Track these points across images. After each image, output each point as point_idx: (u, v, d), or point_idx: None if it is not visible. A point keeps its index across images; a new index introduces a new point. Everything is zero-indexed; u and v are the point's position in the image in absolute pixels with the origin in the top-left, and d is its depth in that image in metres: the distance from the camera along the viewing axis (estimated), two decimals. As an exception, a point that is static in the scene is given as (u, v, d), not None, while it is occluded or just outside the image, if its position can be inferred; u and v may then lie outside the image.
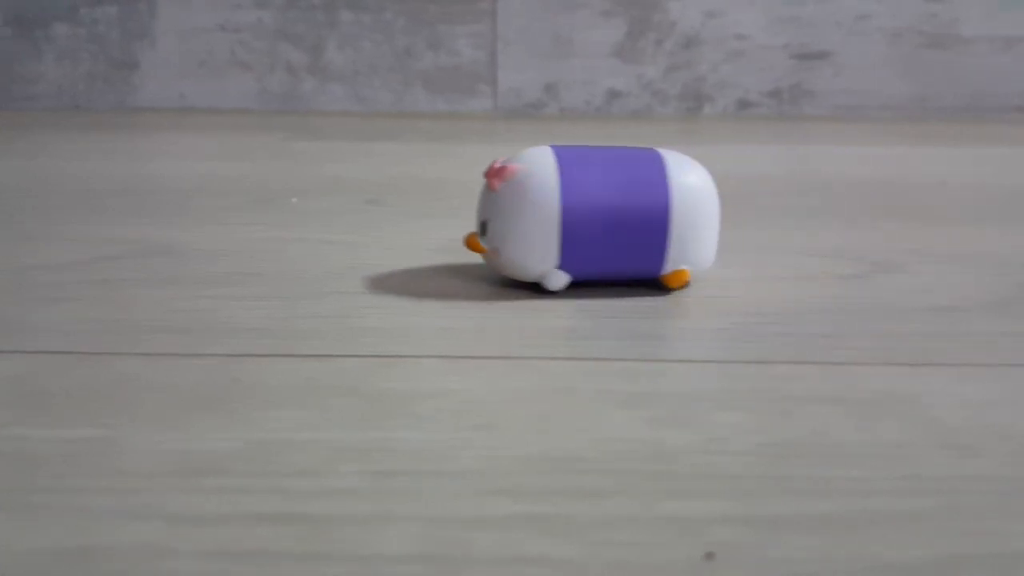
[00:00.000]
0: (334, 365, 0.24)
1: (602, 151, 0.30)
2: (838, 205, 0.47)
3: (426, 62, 0.99)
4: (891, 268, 0.35)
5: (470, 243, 0.30)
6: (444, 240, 0.38)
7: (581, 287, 0.31)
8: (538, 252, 0.29)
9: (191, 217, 0.42)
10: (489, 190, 0.30)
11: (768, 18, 0.98)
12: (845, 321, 0.28)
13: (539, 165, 0.29)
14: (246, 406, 0.22)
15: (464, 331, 0.27)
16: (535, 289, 0.31)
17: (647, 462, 0.19)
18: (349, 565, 0.16)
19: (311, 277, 0.32)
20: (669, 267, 0.30)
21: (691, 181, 0.30)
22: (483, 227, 0.30)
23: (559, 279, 0.30)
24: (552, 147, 0.30)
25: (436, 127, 0.83)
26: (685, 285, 0.31)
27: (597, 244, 0.29)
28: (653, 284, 0.31)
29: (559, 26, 0.98)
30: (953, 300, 0.31)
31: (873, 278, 0.33)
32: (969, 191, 0.51)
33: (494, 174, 0.29)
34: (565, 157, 0.30)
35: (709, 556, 0.16)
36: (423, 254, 0.36)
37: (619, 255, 0.30)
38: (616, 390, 0.23)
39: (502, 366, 0.24)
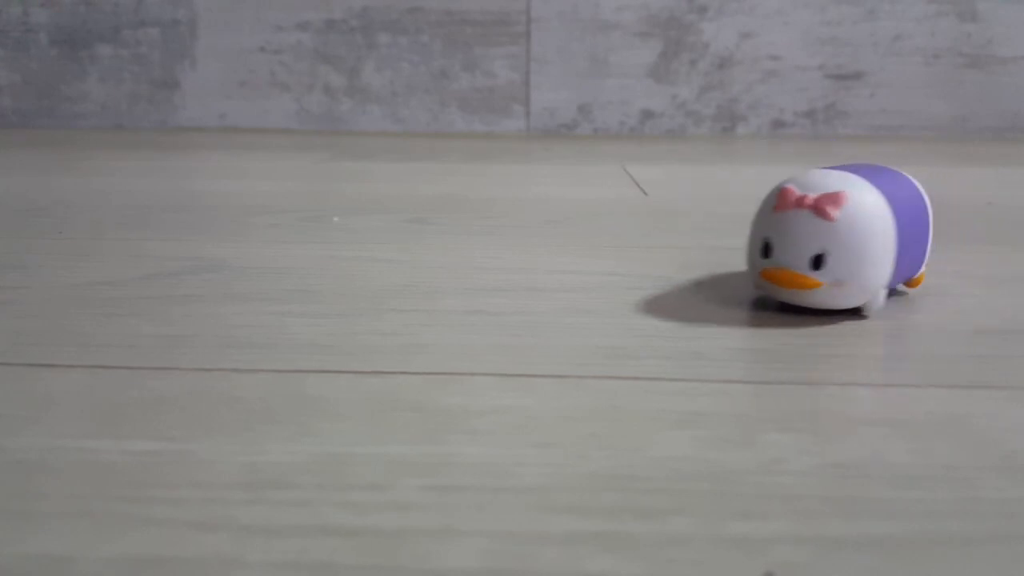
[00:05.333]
0: (394, 381, 0.25)
1: (863, 169, 0.31)
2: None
3: (462, 83, 1.00)
4: (938, 291, 0.34)
5: (793, 279, 0.29)
6: (490, 258, 0.38)
7: (628, 306, 0.31)
8: (880, 276, 0.29)
9: (241, 234, 0.43)
10: (824, 219, 0.28)
11: (803, 39, 0.98)
12: (894, 343, 0.28)
13: (863, 189, 0.29)
14: (311, 420, 0.22)
15: (516, 348, 0.27)
16: (584, 309, 0.31)
17: (707, 481, 0.19)
18: (418, 578, 0.16)
19: (368, 294, 0.33)
20: (920, 270, 0.32)
21: (923, 191, 0.32)
22: (818, 260, 0.29)
23: (883, 299, 0.30)
24: (848, 167, 0.31)
25: (472, 147, 0.84)
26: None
27: (906, 257, 0.30)
28: (706, 304, 0.32)
29: (594, 47, 0.99)
30: (1003, 322, 0.30)
31: (920, 300, 0.33)
32: (1014, 212, 0.51)
33: (826, 202, 0.28)
34: (871, 177, 0.30)
35: None
36: (472, 272, 0.36)
37: (911, 264, 0.31)
38: (671, 409, 0.23)
39: (556, 384, 0.24)
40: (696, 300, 0.33)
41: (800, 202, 0.29)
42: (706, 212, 0.51)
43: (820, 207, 0.28)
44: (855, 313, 0.31)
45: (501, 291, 0.34)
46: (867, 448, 0.21)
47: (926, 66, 0.97)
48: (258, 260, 0.38)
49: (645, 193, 0.57)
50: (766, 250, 0.30)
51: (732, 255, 0.40)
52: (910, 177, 0.32)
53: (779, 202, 0.29)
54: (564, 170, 0.68)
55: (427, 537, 0.17)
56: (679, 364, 0.26)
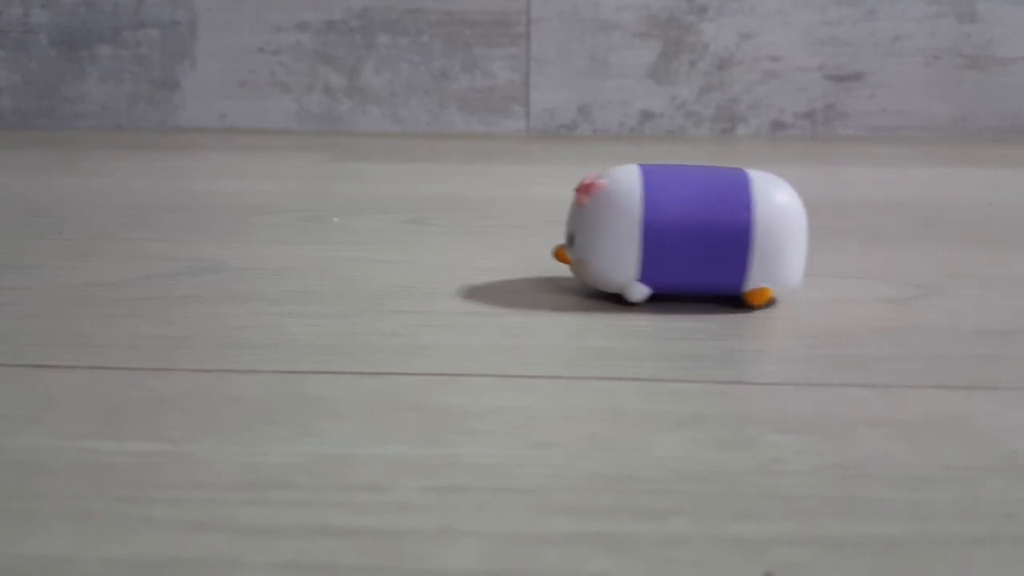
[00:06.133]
0: (394, 382, 0.25)
1: (689, 169, 0.31)
2: (879, 227, 0.47)
3: (462, 84, 1.00)
4: (937, 291, 0.34)
5: (558, 254, 0.32)
6: (490, 258, 0.38)
7: (630, 307, 0.31)
8: (620, 264, 0.30)
9: (241, 235, 0.43)
10: (577, 204, 0.31)
11: (803, 39, 0.98)
12: (895, 344, 0.28)
13: (624, 181, 0.30)
14: (310, 421, 0.22)
15: (517, 349, 0.27)
16: (584, 309, 0.31)
17: (707, 482, 0.19)
18: (418, 579, 0.16)
19: (367, 295, 0.33)
20: (751, 284, 0.31)
21: (777, 199, 0.30)
22: (571, 239, 0.31)
23: (640, 291, 0.31)
24: (640, 166, 0.31)
25: (471, 147, 0.84)
26: (769, 304, 0.31)
27: (678, 258, 0.30)
28: (708, 304, 0.32)
29: (593, 48, 0.99)
30: (1003, 322, 0.30)
31: (920, 301, 0.33)
32: (1014, 212, 0.51)
33: (583, 190, 0.31)
34: (651, 174, 0.31)
35: (772, 576, 0.16)
36: (471, 273, 0.36)
37: (700, 270, 0.30)
38: (671, 410, 0.23)
39: (556, 385, 0.25)
40: (696, 300, 0.33)
41: (577, 188, 0.32)
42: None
43: (578, 193, 0.31)
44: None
45: (501, 292, 0.34)
46: (867, 448, 0.21)
47: (926, 67, 0.97)
48: (258, 260, 0.38)
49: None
50: None
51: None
52: (774, 193, 0.30)
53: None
54: (564, 171, 0.68)
55: (427, 538, 0.17)
56: (679, 365, 0.26)
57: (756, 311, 0.31)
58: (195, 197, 0.54)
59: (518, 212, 0.50)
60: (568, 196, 0.55)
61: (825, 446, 0.21)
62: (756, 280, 0.30)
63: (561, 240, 0.42)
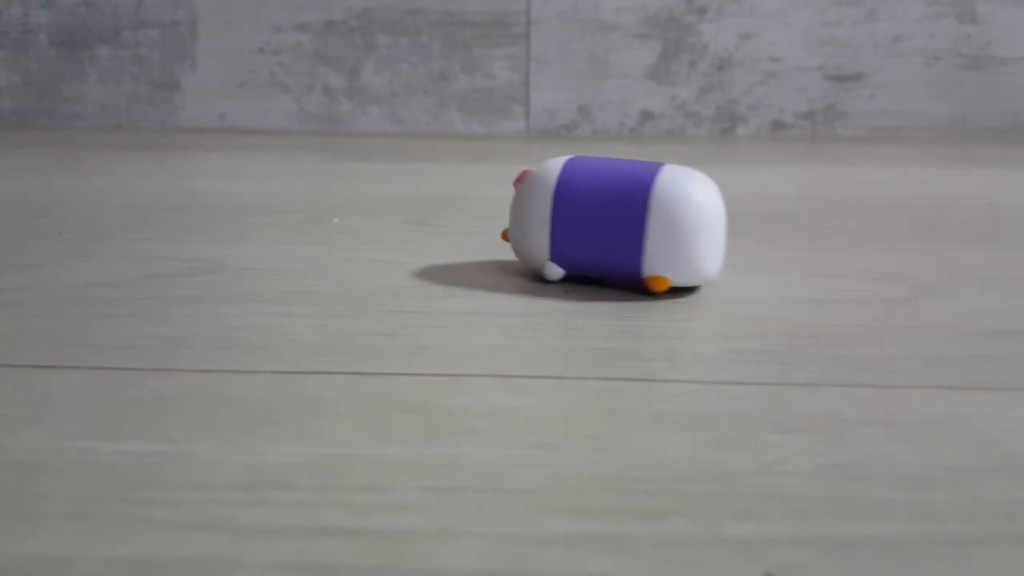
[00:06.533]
0: (394, 382, 0.25)
1: (614, 162, 0.33)
2: (878, 227, 0.47)
3: (461, 84, 1.00)
4: (937, 292, 0.34)
5: (504, 235, 0.35)
6: (489, 259, 0.38)
7: (630, 308, 0.31)
8: (537, 245, 0.33)
9: (241, 236, 0.43)
10: (514, 191, 0.35)
11: (803, 40, 0.98)
12: (894, 344, 0.28)
13: (547, 170, 0.34)
14: (310, 421, 0.22)
15: (517, 350, 0.27)
16: (584, 310, 0.31)
17: (707, 482, 0.19)
18: (418, 579, 0.16)
19: (367, 295, 0.33)
20: (648, 271, 0.32)
21: (677, 190, 0.31)
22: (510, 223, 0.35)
23: (553, 271, 0.34)
24: (572, 157, 0.34)
25: (471, 148, 0.84)
26: (667, 291, 0.33)
27: (583, 242, 0.33)
28: (708, 305, 0.32)
29: (593, 48, 0.99)
30: (1002, 324, 0.30)
31: (920, 302, 0.33)
32: (1014, 212, 0.51)
33: (518, 179, 0.34)
34: (574, 164, 0.33)
35: (773, 576, 0.16)
36: (471, 274, 0.36)
37: (603, 254, 0.32)
38: (670, 411, 0.23)
39: (555, 385, 0.25)
40: (696, 301, 0.33)
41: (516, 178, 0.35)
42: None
43: (516, 180, 0.34)
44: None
45: (501, 292, 0.34)
46: (867, 448, 0.21)
47: (926, 67, 0.97)
48: (258, 261, 0.38)
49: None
50: None
51: (732, 256, 0.40)
52: (677, 184, 0.31)
53: None
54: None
55: (427, 538, 0.17)
56: (679, 365, 0.26)
57: (762, 313, 0.31)
58: (195, 197, 0.54)
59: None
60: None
61: (825, 446, 0.21)
62: (653, 267, 0.32)
63: None
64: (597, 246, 0.32)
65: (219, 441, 0.21)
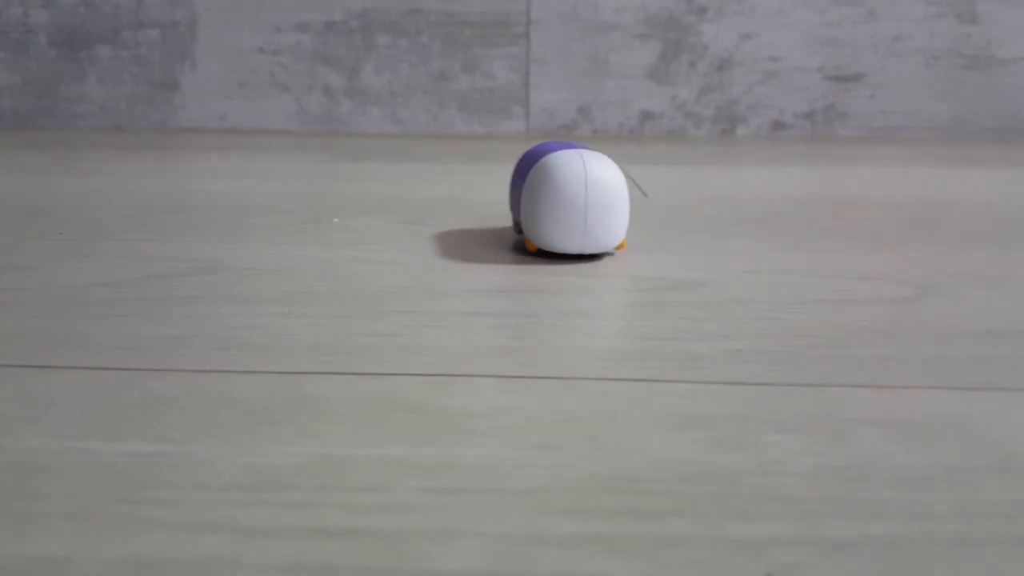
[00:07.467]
0: (394, 382, 0.25)
1: (572, 146, 0.39)
2: (878, 227, 0.47)
3: (461, 84, 1.00)
4: (938, 292, 0.34)
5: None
6: (489, 259, 0.38)
7: (629, 308, 0.31)
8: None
9: (241, 236, 0.43)
10: None
11: (803, 40, 0.98)
12: (894, 344, 0.28)
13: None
14: (310, 422, 0.22)
15: (516, 350, 0.27)
16: (584, 310, 0.31)
17: (706, 483, 0.19)
18: (418, 579, 0.16)
19: (366, 296, 0.33)
20: (526, 233, 0.38)
21: (551, 163, 0.36)
22: None
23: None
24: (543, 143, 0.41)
25: (471, 148, 0.84)
26: (536, 253, 0.39)
27: (516, 205, 0.40)
28: (708, 305, 0.32)
29: (593, 48, 0.99)
30: (1002, 324, 0.30)
31: (920, 302, 0.33)
32: (1014, 212, 0.51)
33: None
34: (554, 150, 0.39)
35: (773, 576, 0.16)
36: (471, 274, 0.36)
37: (518, 214, 0.39)
38: (670, 411, 0.23)
39: (555, 386, 0.25)
40: (695, 301, 0.33)
41: None
42: (705, 213, 0.52)
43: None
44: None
45: (501, 292, 0.34)
46: (867, 448, 0.21)
47: (926, 67, 0.97)
48: (258, 261, 0.38)
49: (645, 195, 0.57)
50: None
51: (732, 256, 0.40)
52: (555, 160, 0.37)
53: None
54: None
55: (427, 539, 0.17)
56: (678, 365, 0.26)
57: (762, 313, 0.31)
58: (195, 197, 0.54)
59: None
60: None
61: (825, 446, 0.21)
62: (527, 230, 0.37)
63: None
64: (518, 209, 0.39)
65: (219, 441, 0.21)
